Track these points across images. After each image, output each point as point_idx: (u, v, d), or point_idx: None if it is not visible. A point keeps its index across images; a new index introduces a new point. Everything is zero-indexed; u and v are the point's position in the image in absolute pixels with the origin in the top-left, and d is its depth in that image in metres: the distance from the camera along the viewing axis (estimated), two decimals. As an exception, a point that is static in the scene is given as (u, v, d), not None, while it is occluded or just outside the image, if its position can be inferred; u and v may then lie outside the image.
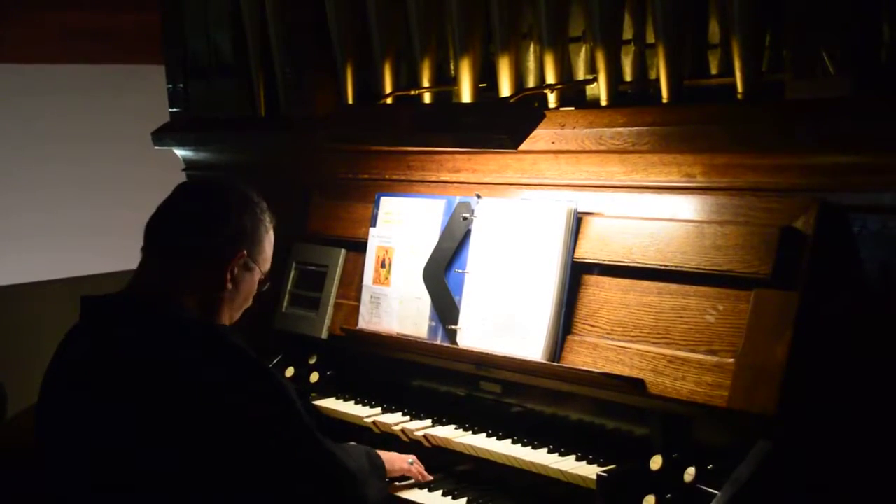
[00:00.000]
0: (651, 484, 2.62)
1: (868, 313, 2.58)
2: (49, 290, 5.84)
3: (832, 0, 2.65)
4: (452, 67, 3.64)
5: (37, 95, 5.85)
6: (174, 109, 4.66)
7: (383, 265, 3.51)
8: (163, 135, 4.51)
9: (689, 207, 2.86)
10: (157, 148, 4.56)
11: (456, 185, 3.45)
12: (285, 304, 3.82)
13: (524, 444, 3.03)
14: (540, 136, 3.08)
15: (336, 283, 3.70)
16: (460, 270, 3.27)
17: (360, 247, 3.62)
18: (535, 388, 3.10)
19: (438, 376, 3.39)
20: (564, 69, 3.27)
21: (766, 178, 2.71)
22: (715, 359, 2.68)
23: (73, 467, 2.56)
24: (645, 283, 2.88)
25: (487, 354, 3.14)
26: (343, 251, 3.72)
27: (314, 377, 3.63)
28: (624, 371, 2.83)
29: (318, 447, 2.64)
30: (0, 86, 5.74)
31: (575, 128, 3.03)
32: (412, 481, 3.14)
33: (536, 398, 3.13)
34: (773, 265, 2.60)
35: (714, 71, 3.09)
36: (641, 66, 3.23)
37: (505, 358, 3.08)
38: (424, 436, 3.19)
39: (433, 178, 3.53)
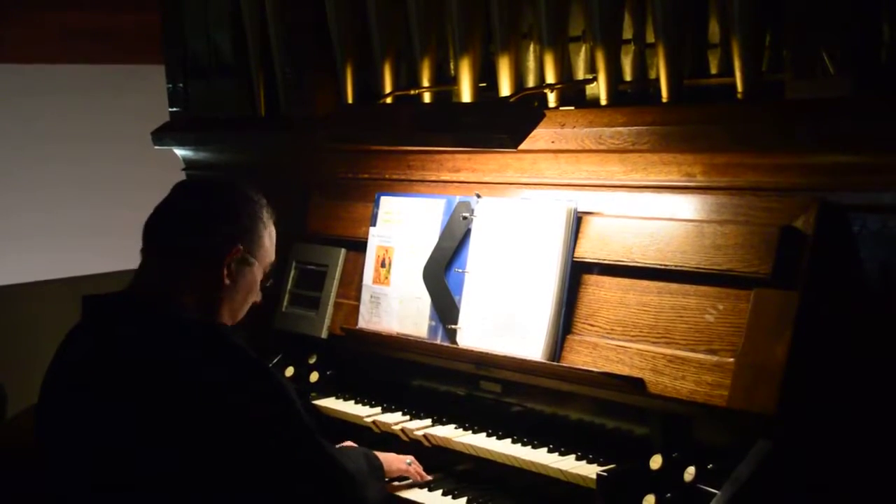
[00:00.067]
0: (651, 483, 2.62)
1: (868, 313, 2.58)
2: (49, 290, 5.84)
3: (832, 0, 2.65)
4: (452, 67, 3.64)
5: (37, 95, 5.85)
6: (174, 109, 4.66)
7: (383, 265, 3.51)
8: (163, 135, 4.51)
9: (688, 207, 2.86)
10: (156, 148, 4.56)
11: (456, 184, 3.45)
12: (285, 303, 3.82)
13: (524, 444, 3.03)
14: (540, 136, 3.08)
15: (336, 282, 3.70)
16: (460, 270, 3.27)
17: (360, 246, 3.62)
18: (535, 388, 3.10)
19: (438, 376, 3.39)
20: (564, 69, 3.27)
21: (766, 178, 2.71)
22: (715, 358, 2.68)
23: (73, 467, 2.56)
24: (645, 283, 2.88)
25: (487, 354, 3.14)
26: (343, 251, 3.72)
27: (314, 377, 3.63)
28: (624, 370, 2.83)
29: (317, 448, 2.64)
30: (0, 86, 5.73)
31: (575, 127, 3.03)
32: (411, 481, 3.14)
33: (536, 398, 3.13)
34: (772, 265, 2.60)
35: (714, 71, 3.10)
36: (641, 66, 3.23)
37: (505, 357, 3.08)
38: (424, 435, 3.19)
39: (433, 178, 3.53)
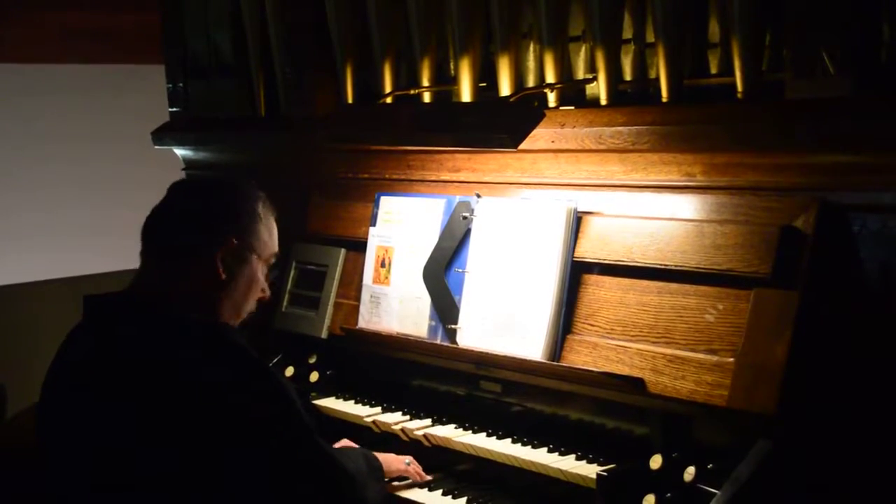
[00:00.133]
0: (651, 483, 2.62)
1: (868, 313, 2.58)
2: (49, 290, 5.84)
3: (832, 0, 2.65)
4: (452, 67, 3.64)
5: (37, 95, 5.86)
6: (174, 109, 4.66)
7: (383, 265, 3.51)
8: (163, 134, 4.51)
9: (688, 207, 2.86)
10: (156, 148, 4.56)
11: (456, 184, 3.45)
12: (285, 303, 3.82)
13: (524, 444, 3.03)
14: (540, 136, 3.08)
15: (336, 282, 3.70)
16: (460, 270, 3.27)
17: (359, 246, 3.62)
18: (535, 388, 3.10)
19: (438, 376, 3.39)
20: (564, 68, 3.27)
21: (765, 178, 2.71)
22: (715, 358, 2.67)
23: (73, 467, 2.56)
24: (645, 283, 2.88)
25: (487, 354, 3.14)
26: (343, 251, 3.72)
27: (314, 377, 3.63)
28: (624, 370, 2.83)
29: (317, 448, 2.64)
30: (0, 86, 5.74)
31: (575, 127, 3.03)
32: (410, 481, 3.14)
33: (536, 397, 3.13)
34: (772, 264, 2.60)
35: (714, 70, 3.09)
36: (641, 66, 3.23)
37: (505, 357, 3.08)
38: (424, 435, 3.19)
39: (433, 178, 3.53)
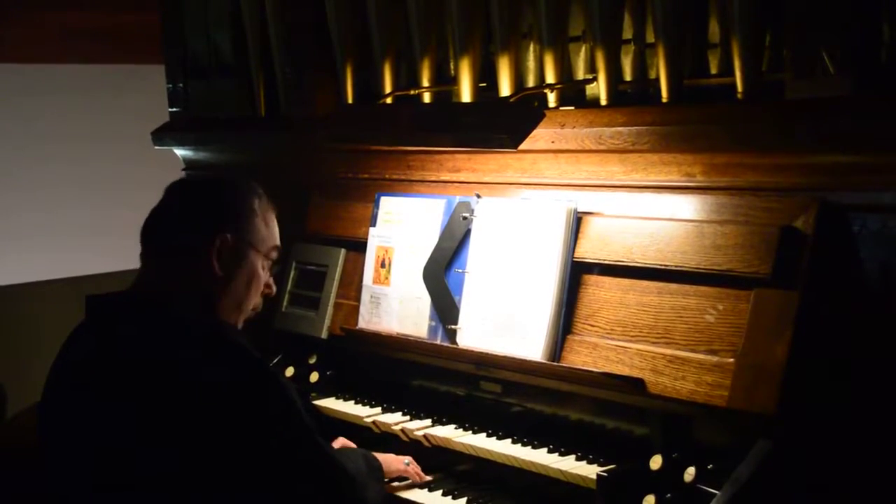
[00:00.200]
0: (651, 484, 2.62)
1: (868, 313, 2.58)
2: (49, 290, 5.84)
3: (832, 0, 2.65)
4: (452, 67, 3.64)
5: (37, 95, 5.86)
6: (174, 109, 4.66)
7: (383, 265, 3.51)
8: (163, 135, 4.51)
9: (688, 207, 2.86)
10: (157, 148, 4.56)
11: (456, 184, 3.45)
12: (285, 303, 3.82)
13: (524, 444, 3.03)
14: (540, 136, 3.08)
15: (336, 282, 3.70)
16: (460, 270, 3.27)
17: (359, 246, 3.62)
18: (535, 388, 3.09)
19: (438, 376, 3.39)
20: (564, 69, 3.27)
21: (765, 178, 2.71)
22: (715, 358, 2.67)
23: (74, 466, 2.56)
24: (645, 283, 2.88)
25: (487, 354, 3.14)
26: (343, 251, 3.72)
27: (314, 377, 3.63)
28: (624, 371, 2.83)
29: (318, 449, 2.64)
30: (0, 86, 5.74)
31: (575, 127, 3.03)
32: (410, 481, 3.14)
33: (536, 398, 3.13)
34: (772, 265, 2.60)
35: (714, 70, 3.09)
36: (641, 66, 3.23)
37: (505, 358, 3.08)
38: (424, 435, 3.19)
39: (433, 178, 3.53)
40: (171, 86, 4.66)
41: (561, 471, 2.85)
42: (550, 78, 3.23)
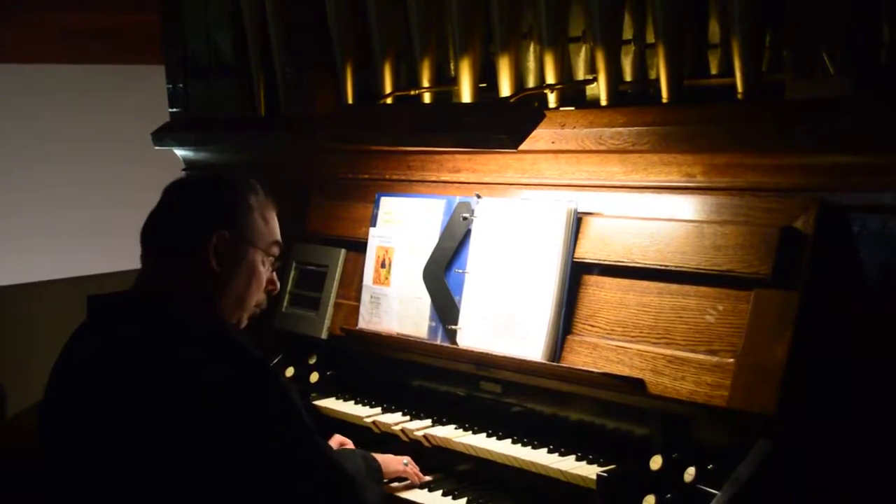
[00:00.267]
0: (651, 484, 2.62)
1: (868, 313, 2.58)
2: (49, 290, 5.84)
3: (832, 0, 2.65)
4: (452, 67, 3.64)
5: (37, 95, 5.86)
6: (174, 109, 4.66)
7: (383, 265, 3.51)
8: (163, 135, 4.52)
9: (688, 207, 2.86)
10: (157, 148, 4.56)
11: (456, 185, 3.45)
12: (285, 303, 3.82)
13: (524, 444, 3.03)
14: (540, 136, 3.08)
15: (336, 283, 3.70)
16: (460, 270, 3.27)
17: (360, 247, 3.62)
18: (535, 388, 3.09)
19: (438, 376, 3.39)
20: (564, 69, 3.27)
21: (765, 178, 2.71)
22: (715, 359, 2.67)
23: (75, 466, 2.56)
24: (645, 283, 2.88)
25: (487, 354, 3.14)
26: (343, 251, 3.72)
27: (314, 377, 3.63)
28: (624, 371, 2.83)
29: (318, 449, 2.64)
30: (0, 86, 5.74)
31: (575, 128, 3.03)
32: (409, 482, 3.14)
33: (536, 398, 3.13)
34: (772, 265, 2.60)
35: (714, 71, 3.09)
36: (641, 66, 3.23)
37: (505, 358, 3.08)
38: (424, 436, 3.19)
39: (433, 178, 3.53)
40: (171, 86, 4.66)
41: (561, 471, 2.85)
42: (551, 78, 3.23)
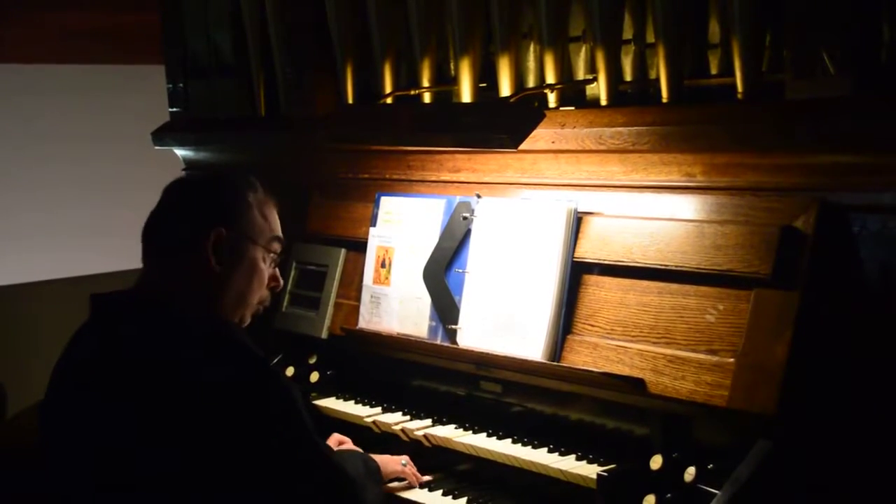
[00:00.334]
0: (651, 483, 2.62)
1: (868, 313, 2.58)
2: (49, 290, 5.85)
3: (832, 0, 2.65)
4: (452, 67, 3.64)
5: (37, 95, 5.86)
6: (174, 109, 4.66)
7: (383, 265, 3.51)
8: (163, 135, 4.52)
9: (689, 207, 2.86)
10: (157, 148, 4.56)
11: (456, 184, 3.45)
12: (285, 303, 3.82)
13: (524, 444, 3.03)
14: (540, 136, 3.08)
15: (336, 282, 3.70)
16: (460, 270, 3.27)
17: (360, 246, 3.62)
18: (535, 388, 3.10)
19: (438, 376, 3.39)
20: (564, 69, 3.27)
21: (766, 178, 2.71)
22: (715, 358, 2.68)
23: (75, 466, 2.56)
24: (645, 283, 2.88)
25: (487, 354, 3.14)
26: (343, 251, 3.73)
27: (314, 377, 3.63)
28: (624, 371, 2.83)
29: (318, 450, 2.64)
30: (0, 86, 5.74)
31: (575, 127, 3.03)
32: (407, 482, 3.13)
33: (536, 398, 3.13)
34: (773, 265, 2.60)
35: (714, 71, 3.09)
36: (641, 66, 3.23)
37: (505, 357, 3.08)
38: (425, 435, 3.19)
39: (433, 178, 3.53)
40: (171, 86, 4.66)
41: (561, 471, 2.85)
42: (551, 78, 3.23)
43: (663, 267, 2.83)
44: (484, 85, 3.45)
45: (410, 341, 3.38)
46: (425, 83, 3.57)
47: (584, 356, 2.94)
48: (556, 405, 3.08)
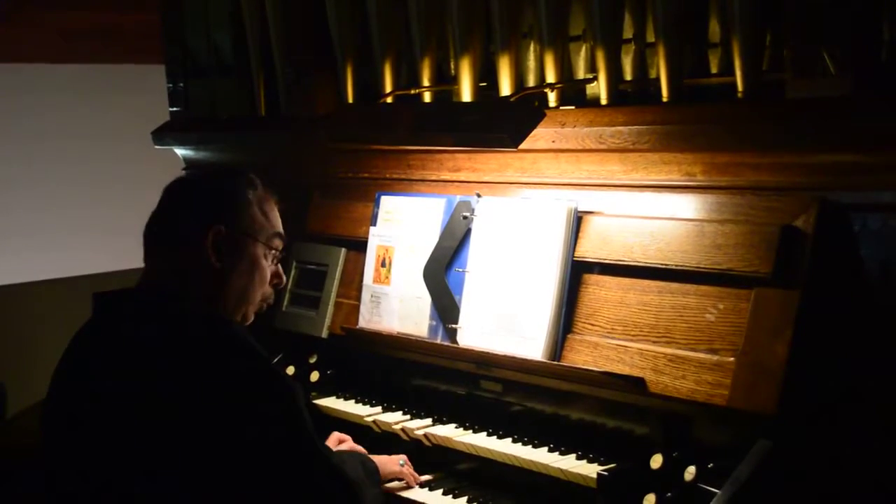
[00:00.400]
0: (651, 483, 2.62)
1: (868, 312, 2.58)
2: (49, 289, 5.85)
3: (832, 0, 2.66)
4: (452, 67, 3.64)
5: (37, 95, 5.86)
6: (174, 109, 4.66)
7: (383, 264, 3.51)
8: (163, 134, 4.52)
9: (689, 206, 2.86)
10: (157, 147, 4.56)
11: (456, 184, 3.45)
12: (285, 302, 3.82)
13: (524, 443, 3.03)
14: (540, 135, 3.08)
15: (336, 282, 3.70)
16: (461, 269, 3.27)
17: (360, 246, 3.63)
18: (535, 387, 3.10)
19: (439, 375, 3.39)
20: (565, 68, 3.27)
21: (766, 177, 2.72)
22: (715, 357, 2.68)
23: (76, 466, 2.56)
24: (645, 282, 2.88)
25: (488, 353, 3.14)
26: (343, 250, 3.73)
27: (314, 376, 3.63)
28: (624, 370, 2.83)
29: (318, 452, 2.63)
30: (0, 85, 5.74)
31: (575, 127, 3.03)
32: (405, 482, 3.13)
33: (537, 397, 3.13)
34: (773, 264, 2.60)
35: (714, 70, 3.10)
36: (641, 65, 3.23)
37: (505, 357, 3.08)
38: (425, 435, 3.19)
39: (433, 178, 3.53)
40: (171, 85, 4.67)
41: (561, 470, 2.85)
42: (551, 77, 3.23)
43: (664, 266, 2.83)
44: (484, 84, 3.45)
45: (411, 340, 3.38)
46: (425, 82, 3.57)
47: (585, 355, 2.94)
48: (557, 404, 3.08)
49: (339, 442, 3.25)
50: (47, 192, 5.94)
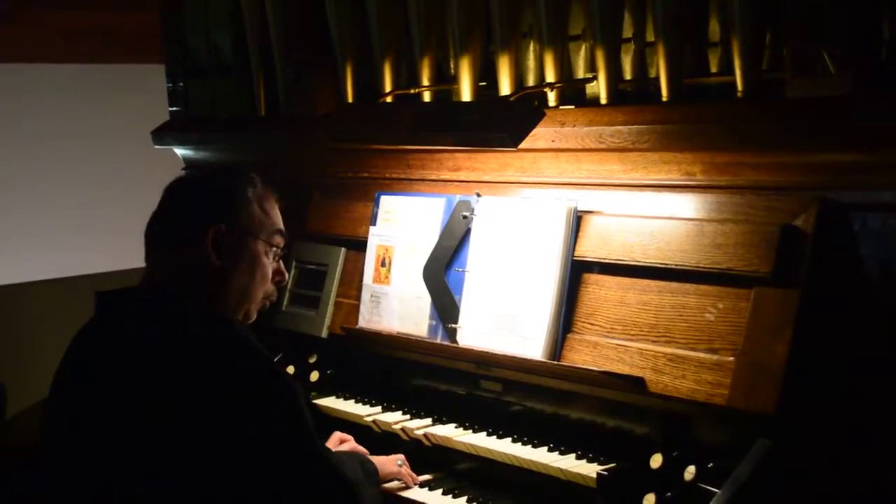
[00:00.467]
0: (651, 482, 2.62)
1: (868, 312, 2.58)
2: (50, 289, 5.85)
3: (832, 0, 2.66)
4: (452, 66, 3.64)
5: (37, 95, 5.86)
6: (174, 109, 4.66)
7: (383, 264, 3.51)
8: (163, 134, 4.52)
9: (689, 206, 2.86)
10: (157, 147, 4.56)
11: (456, 183, 3.45)
12: (285, 302, 3.82)
13: (524, 443, 3.03)
14: (540, 135, 3.08)
15: (336, 281, 3.70)
16: (460, 269, 3.27)
17: (360, 246, 3.63)
18: (535, 387, 3.09)
19: (439, 375, 3.39)
20: (564, 68, 3.27)
21: (766, 177, 2.71)
22: (715, 357, 2.67)
23: (77, 466, 2.56)
24: (645, 282, 2.87)
25: (487, 353, 3.14)
26: (343, 250, 3.73)
27: (314, 376, 3.63)
28: (624, 369, 2.83)
29: (319, 453, 2.63)
30: (0, 85, 5.74)
31: (575, 126, 3.03)
32: (403, 483, 3.13)
33: (537, 397, 3.13)
34: (773, 263, 2.60)
35: (714, 69, 3.09)
36: (641, 65, 3.23)
37: (505, 356, 3.08)
38: (425, 434, 3.19)
39: (433, 177, 3.53)
40: (171, 85, 4.67)
41: (561, 469, 2.85)
42: (550, 77, 3.23)
43: (663, 266, 2.83)
44: (484, 84, 3.45)
45: (410, 340, 3.38)
46: (425, 82, 3.57)
47: (585, 355, 2.94)
48: (556, 404, 3.08)
49: (340, 442, 3.24)
50: (47, 192, 5.94)
